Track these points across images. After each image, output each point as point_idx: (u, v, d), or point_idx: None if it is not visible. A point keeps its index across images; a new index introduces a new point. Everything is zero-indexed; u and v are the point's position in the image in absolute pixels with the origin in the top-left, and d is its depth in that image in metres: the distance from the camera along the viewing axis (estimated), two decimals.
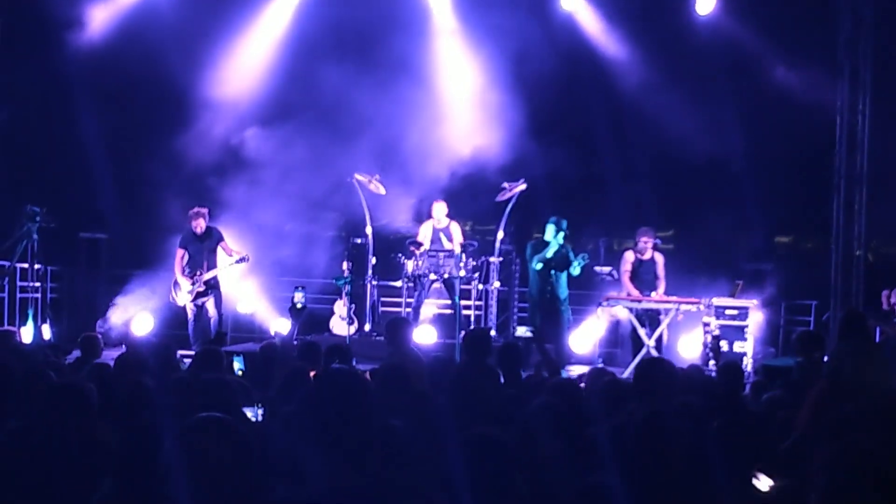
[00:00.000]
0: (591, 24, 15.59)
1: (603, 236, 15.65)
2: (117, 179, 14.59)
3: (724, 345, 12.33)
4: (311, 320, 14.45)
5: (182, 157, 14.50)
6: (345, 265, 13.63)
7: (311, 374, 6.40)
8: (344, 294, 13.42)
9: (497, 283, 13.67)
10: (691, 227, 15.74)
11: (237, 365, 7.68)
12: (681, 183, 15.62)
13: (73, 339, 11.87)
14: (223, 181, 14.34)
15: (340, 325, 13.65)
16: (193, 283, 12.80)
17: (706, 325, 12.46)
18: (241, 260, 12.94)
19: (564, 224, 12.05)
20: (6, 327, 12.14)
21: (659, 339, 12.39)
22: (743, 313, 12.49)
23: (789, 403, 6.19)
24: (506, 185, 13.32)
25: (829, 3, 14.26)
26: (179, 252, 12.94)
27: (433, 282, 13.01)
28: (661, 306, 12.45)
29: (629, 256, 12.76)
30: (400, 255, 13.13)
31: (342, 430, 3.66)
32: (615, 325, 13.53)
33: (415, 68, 14.72)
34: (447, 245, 13.08)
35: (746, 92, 15.20)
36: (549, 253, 11.97)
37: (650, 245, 12.68)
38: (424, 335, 12.76)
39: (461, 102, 14.98)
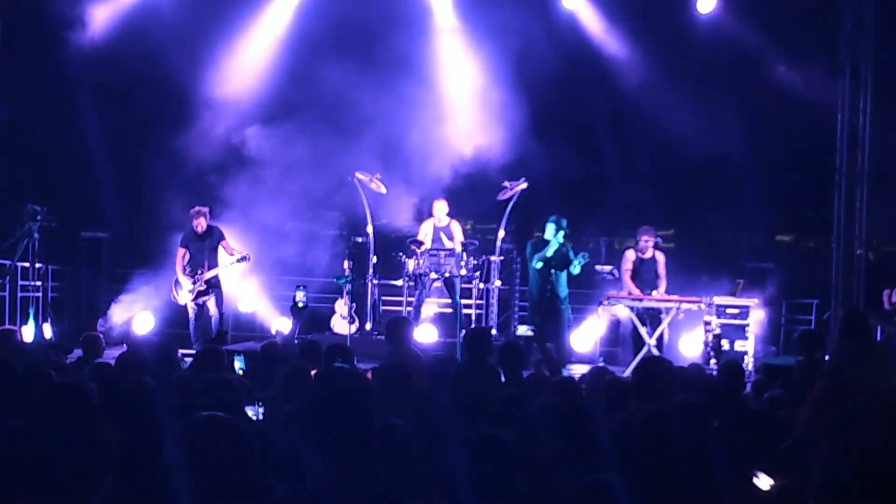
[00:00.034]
0: (592, 23, 15.59)
1: (604, 235, 15.64)
2: (118, 178, 14.60)
3: (725, 344, 12.33)
4: (312, 319, 14.45)
5: (183, 155, 14.50)
6: (346, 264, 13.63)
7: (312, 373, 6.41)
8: (345, 293, 13.41)
9: (498, 282, 13.67)
10: (692, 226, 15.75)
11: (238, 364, 7.68)
12: (682, 182, 15.62)
13: (74, 338, 11.89)
14: (224, 180, 14.34)
15: (341, 324, 13.65)
16: (194, 282, 12.80)
17: (707, 323, 12.46)
18: (242, 259, 12.94)
19: (564, 223, 12.04)
20: (7, 326, 12.15)
21: (660, 338, 12.39)
22: (744, 312, 12.49)
23: (790, 402, 6.19)
24: (506, 183, 13.32)
25: (829, 1, 14.25)
26: (180, 251, 12.94)
27: (434, 281, 13.01)
28: (662, 305, 12.45)
29: (630, 255, 12.75)
30: (401, 254, 13.13)
31: (343, 429, 3.66)
32: (616, 324, 13.52)
33: (416, 67, 14.72)
34: (448, 244, 13.08)
35: (747, 91, 15.21)
36: (550, 252, 11.96)
37: (651, 244, 12.67)
38: (425, 334, 12.76)
39: (462, 101, 14.98)
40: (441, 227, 13.29)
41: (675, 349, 12.69)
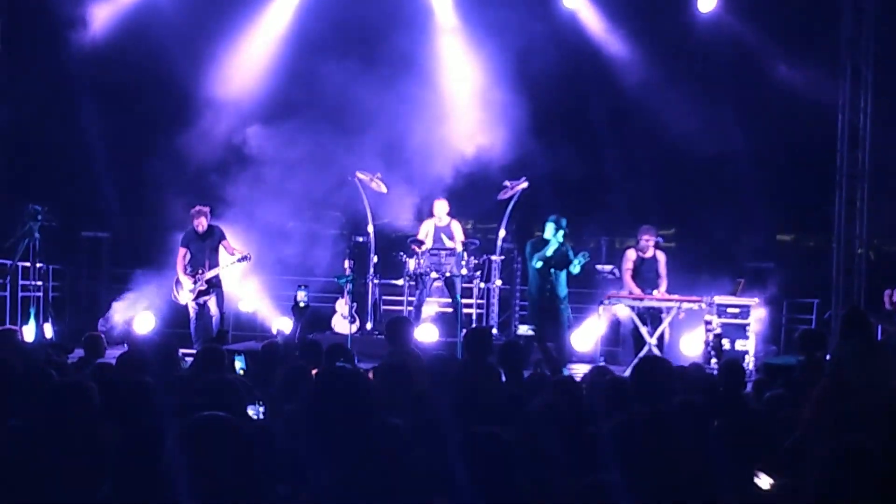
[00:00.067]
0: (593, 22, 15.59)
1: (605, 235, 15.64)
2: (119, 178, 14.60)
3: (725, 343, 12.32)
4: (313, 319, 14.44)
5: (184, 155, 14.50)
6: (346, 264, 13.63)
7: (313, 372, 6.41)
8: (346, 292, 13.41)
9: (499, 282, 13.67)
10: (693, 226, 15.74)
11: (238, 364, 7.68)
12: (682, 181, 15.62)
13: (75, 337, 11.89)
14: (225, 180, 14.34)
15: (342, 324, 13.64)
16: (195, 282, 12.80)
17: (708, 323, 12.46)
18: (243, 259, 12.94)
19: (564, 222, 12.02)
20: (8, 326, 12.15)
21: (661, 338, 12.38)
22: (745, 311, 12.48)
23: (791, 402, 6.18)
24: (507, 183, 13.31)
25: (830, 1, 14.26)
26: (181, 251, 12.94)
27: (434, 280, 13.01)
28: (663, 304, 12.44)
29: (631, 255, 12.75)
30: (401, 253, 13.13)
31: (343, 428, 3.66)
32: (616, 324, 13.52)
33: (417, 66, 14.72)
34: (448, 244, 13.08)
35: (748, 90, 15.21)
36: (549, 251, 11.94)
37: (652, 243, 12.67)
38: (426, 334, 12.77)
39: (463, 101, 14.98)
40: (441, 226, 13.29)
41: (676, 349, 12.68)
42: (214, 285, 12.91)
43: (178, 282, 12.94)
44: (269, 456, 4.12)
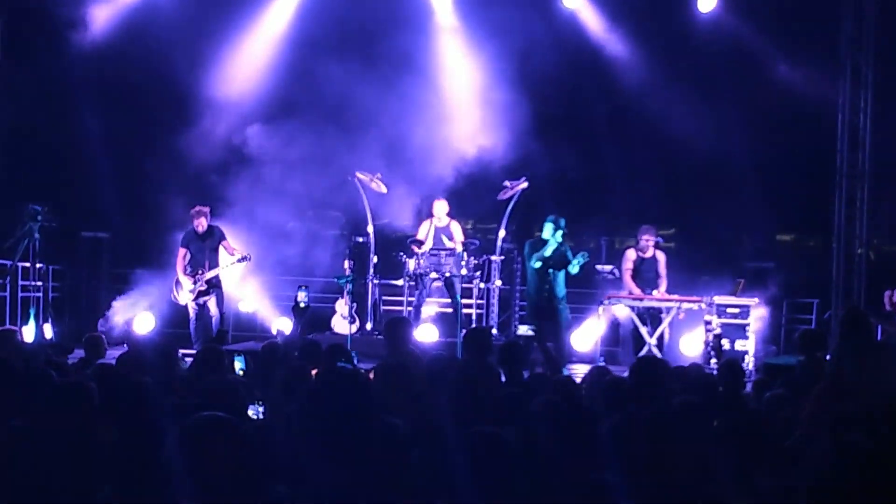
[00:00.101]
0: (593, 22, 15.58)
1: (605, 235, 15.64)
2: (119, 178, 14.60)
3: (725, 343, 12.32)
4: (312, 319, 14.44)
5: (184, 155, 14.49)
6: (346, 264, 13.63)
7: (313, 373, 6.41)
8: (345, 293, 13.41)
9: (498, 282, 13.67)
10: (693, 226, 15.73)
11: (238, 364, 7.68)
12: (682, 181, 15.61)
13: (75, 338, 11.90)
14: (225, 180, 14.33)
15: (342, 324, 13.64)
16: (195, 282, 12.80)
17: (708, 323, 12.46)
18: (243, 259, 12.94)
19: (563, 222, 12.03)
20: (8, 326, 12.15)
21: (660, 338, 12.39)
22: (744, 311, 12.48)
23: (791, 402, 6.18)
24: (507, 183, 13.31)
25: (830, 1, 14.25)
26: (181, 251, 12.95)
27: (434, 280, 13.01)
28: (663, 304, 12.45)
29: (631, 255, 12.75)
30: (401, 253, 13.13)
31: (343, 429, 3.66)
32: (616, 325, 13.52)
33: (417, 66, 14.71)
34: (448, 244, 13.07)
35: (748, 90, 15.20)
36: (548, 251, 11.94)
37: (652, 243, 12.67)
38: (426, 334, 12.76)
39: (463, 100, 14.98)
40: (441, 227, 13.29)
41: (676, 349, 12.69)
42: (214, 286, 12.91)
43: (177, 282, 12.94)
44: (269, 456, 4.12)
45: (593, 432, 4.81)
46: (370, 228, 13.78)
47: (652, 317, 12.58)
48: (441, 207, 13.35)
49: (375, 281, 13.86)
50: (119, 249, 15.40)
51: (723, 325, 12.39)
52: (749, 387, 8.29)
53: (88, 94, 14.55)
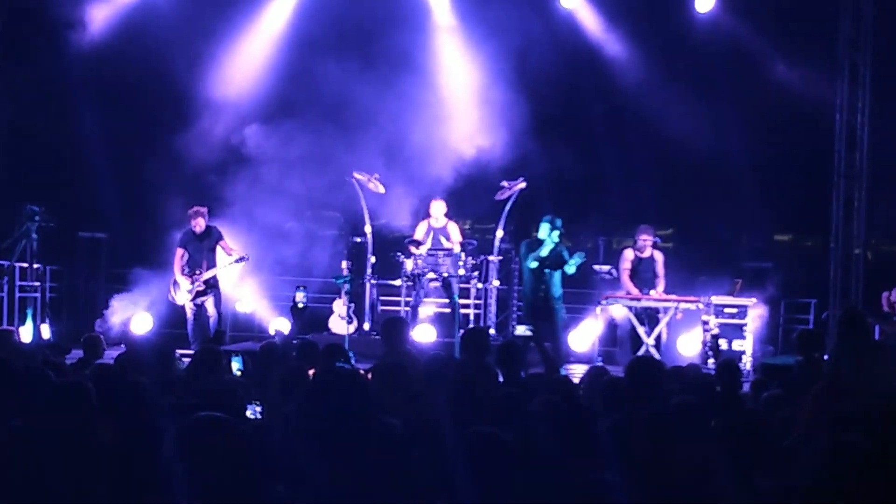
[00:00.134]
0: (590, 22, 15.59)
1: (602, 235, 15.64)
2: (117, 178, 14.59)
3: (723, 343, 12.33)
4: (310, 319, 14.44)
5: (182, 155, 14.48)
6: (344, 264, 13.63)
7: (310, 372, 6.40)
8: (343, 293, 13.41)
9: (496, 282, 13.67)
10: (691, 226, 15.74)
11: (236, 365, 7.66)
12: (680, 181, 15.62)
13: (73, 338, 11.91)
14: (223, 180, 14.33)
15: (340, 324, 13.64)
16: (193, 283, 12.80)
17: (705, 323, 12.46)
18: (241, 259, 12.93)
19: (559, 222, 12.02)
20: (5, 327, 12.14)
21: (658, 338, 12.40)
22: (742, 312, 12.49)
23: (789, 402, 6.18)
24: (505, 183, 13.31)
25: (828, 1, 14.26)
26: (179, 251, 12.94)
27: (431, 281, 13.00)
28: (661, 305, 12.45)
29: (628, 254, 12.75)
30: (399, 254, 13.13)
31: (341, 428, 3.66)
32: (613, 325, 13.52)
33: (414, 66, 14.71)
34: (446, 244, 13.08)
35: (746, 90, 15.21)
36: (544, 252, 11.94)
37: (649, 243, 12.67)
38: (423, 334, 12.76)
39: (461, 100, 14.98)
40: (438, 227, 13.29)
41: (674, 349, 12.69)
42: (212, 286, 12.91)
43: (175, 282, 12.94)
44: (267, 456, 4.12)
45: (591, 432, 4.81)
46: (368, 229, 13.78)
47: (649, 317, 12.58)
48: (438, 208, 13.35)
49: (373, 281, 13.86)
50: (117, 250, 15.39)
51: (720, 325, 12.40)
52: (747, 387, 8.30)
53: (87, 94, 14.53)
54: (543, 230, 12.03)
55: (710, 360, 11.86)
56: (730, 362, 7.86)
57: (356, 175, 13.40)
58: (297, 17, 15.41)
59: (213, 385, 5.46)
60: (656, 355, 11.75)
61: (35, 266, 13.21)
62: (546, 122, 14.81)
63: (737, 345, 12.39)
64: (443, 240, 13.13)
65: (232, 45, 15.30)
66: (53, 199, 13.62)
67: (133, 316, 13.90)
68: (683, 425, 4.58)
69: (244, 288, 14.45)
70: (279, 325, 14.23)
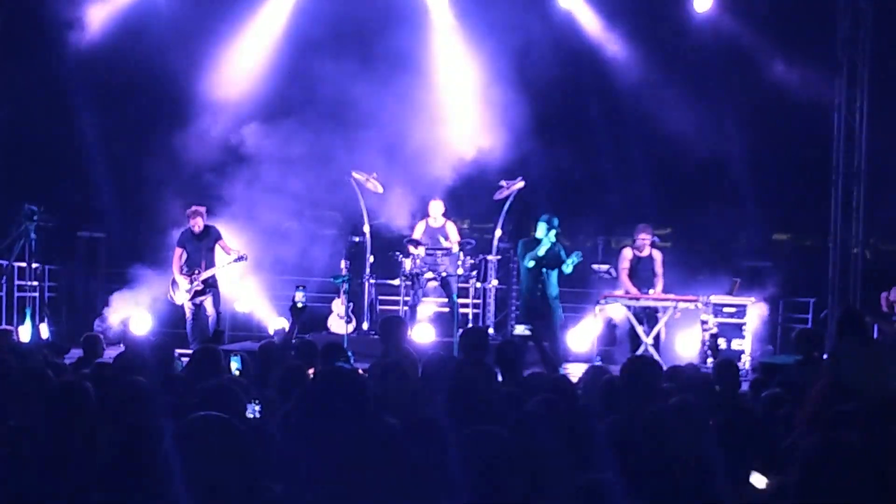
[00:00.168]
0: (588, 22, 15.59)
1: (601, 234, 15.65)
2: (115, 178, 14.60)
3: (722, 342, 12.33)
4: (309, 319, 14.41)
5: (180, 155, 14.48)
6: (343, 264, 13.62)
7: (310, 372, 6.40)
8: (342, 292, 13.41)
9: (495, 282, 13.67)
10: (689, 225, 15.75)
11: (235, 364, 7.66)
12: (679, 180, 15.63)
13: (71, 337, 11.90)
14: (222, 179, 14.33)
15: (338, 324, 13.63)
16: (191, 282, 12.80)
17: (704, 322, 12.47)
18: (240, 259, 12.93)
19: (556, 222, 12.02)
20: (4, 326, 12.14)
21: (657, 337, 12.39)
22: (741, 311, 12.49)
23: (788, 401, 6.19)
24: (503, 183, 13.31)
25: (827, 0, 14.26)
26: (177, 251, 12.94)
27: (430, 280, 13.00)
28: (659, 304, 12.45)
29: (627, 254, 12.75)
30: (397, 253, 13.13)
31: (341, 428, 3.66)
32: (612, 325, 13.52)
33: (413, 66, 14.72)
34: (444, 244, 13.07)
35: (744, 89, 15.23)
36: (541, 251, 11.94)
37: (648, 242, 12.67)
38: (422, 334, 12.76)
39: (459, 100, 14.98)
40: (436, 227, 13.29)
41: (672, 348, 12.69)
42: (211, 285, 12.91)
43: (174, 282, 12.94)
44: (266, 456, 4.12)
45: (590, 432, 4.81)
46: (366, 228, 13.78)
47: (648, 316, 12.58)
48: (436, 207, 13.35)
49: (372, 281, 13.86)
50: (115, 249, 15.39)
51: (719, 325, 12.40)
52: (746, 386, 8.30)
53: (85, 93, 14.54)
54: (541, 229, 12.03)
55: (709, 360, 11.86)
56: (728, 362, 7.86)
57: (355, 174, 13.40)
58: (296, 16, 15.41)
59: (212, 385, 5.46)
60: (655, 355, 11.76)
61: (34, 265, 13.21)
62: (544, 122, 14.82)
63: (736, 344, 12.39)
64: (441, 239, 13.13)
65: (231, 44, 15.30)
66: (52, 198, 13.62)
67: (132, 315, 13.89)
68: (682, 425, 4.58)
69: (243, 287, 14.44)
70: (278, 324, 14.20)
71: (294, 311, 14.08)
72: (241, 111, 14.92)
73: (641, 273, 12.66)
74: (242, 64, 15.37)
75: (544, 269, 12.01)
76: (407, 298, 13.24)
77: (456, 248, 12.96)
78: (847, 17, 14.01)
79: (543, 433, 4.59)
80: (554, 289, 12.13)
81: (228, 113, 14.86)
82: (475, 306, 13.60)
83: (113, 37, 14.88)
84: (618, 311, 12.87)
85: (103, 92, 14.73)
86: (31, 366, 6.29)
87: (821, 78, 14.61)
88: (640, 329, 12.36)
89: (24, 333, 12.58)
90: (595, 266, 13.58)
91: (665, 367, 7.38)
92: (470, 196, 14.59)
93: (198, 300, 12.87)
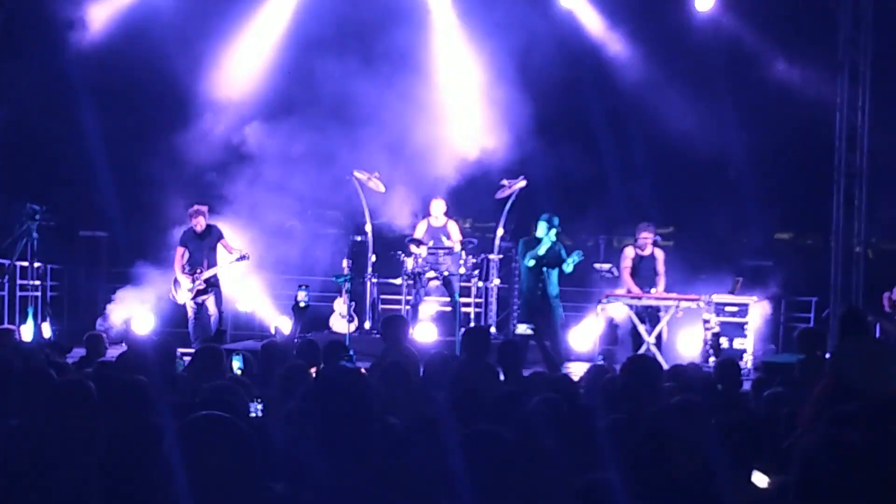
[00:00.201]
0: (590, 21, 15.59)
1: (603, 233, 15.64)
2: (117, 177, 14.59)
3: (724, 342, 12.33)
4: (311, 318, 14.43)
5: (183, 154, 14.49)
6: (345, 263, 13.63)
7: (312, 371, 6.41)
8: (344, 292, 13.41)
9: (497, 281, 13.67)
10: (691, 224, 15.75)
11: (236, 363, 7.67)
12: (681, 179, 15.62)
13: (73, 337, 11.90)
14: (224, 178, 14.34)
15: (340, 323, 13.63)
16: (193, 281, 12.80)
17: (706, 321, 12.46)
18: (242, 258, 12.93)
19: (557, 221, 12.03)
20: (5, 326, 12.14)
21: (659, 336, 12.39)
22: (743, 310, 12.49)
23: (790, 400, 6.18)
24: (505, 182, 13.32)
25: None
26: (179, 250, 12.95)
27: (432, 279, 13.00)
28: (661, 303, 12.44)
29: (629, 252, 12.75)
30: (399, 252, 13.13)
31: (342, 427, 3.66)
32: (613, 324, 13.52)
33: (415, 65, 14.72)
34: (446, 243, 13.08)
35: (746, 89, 15.22)
36: (542, 250, 11.94)
37: (650, 241, 12.66)
38: (424, 333, 12.76)
39: (461, 99, 14.99)
40: (438, 226, 13.29)
41: (674, 347, 12.69)
42: (213, 284, 12.92)
43: (176, 281, 12.94)
44: (268, 454, 4.12)
45: (591, 431, 4.81)
46: (368, 227, 13.78)
47: (650, 315, 12.58)
48: (438, 207, 13.35)
49: (374, 280, 13.86)
50: (117, 248, 15.39)
51: (721, 324, 12.39)
52: (748, 385, 8.30)
53: (87, 92, 14.53)
54: (541, 229, 12.03)
55: (711, 359, 11.85)
56: (730, 361, 7.86)
57: (356, 174, 13.40)
58: (299, 14, 15.40)
59: (214, 384, 5.47)
60: (657, 354, 11.76)
61: (36, 265, 13.21)
62: (546, 121, 14.81)
63: (738, 343, 12.39)
64: (443, 238, 13.14)
65: (232, 43, 15.30)
66: (54, 197, 13.62)
67: (134, 315, 13.90)
68: (684, 424, 4.58)
69: (245, 286, 14.44)
70: (280, 323, 14.22)
71: (296, 311, 14.19)
72: (243, 110, 14.93)
73: (643, 272, 12.65)
74: (244, 63, 15.37)
75: (545, 269, 12.01)
76: (409, 297, 13.24)
77: (458, 248, 12.96)
78: (848, 16, 14.00)
79: (545, 432, 4.59)
80: (554, 288, 12.13)
81: (230, 112, 14.87)
82: (477, 305, 13.60)
83: (115, 36, 14.87)
84: (620, 311, 12.86)
85: (105, 91, 14.71)
86: (34, 365, 6.30)
87: (822, 77, 14.60)
88: (642, 328, 12.36)
89: (27, 333, 12.59)
90: (597, 265, 13.58)
91: (667, 367, 7.39)
92: (472, 195, 14.58)
93: (200, 299, 12.88)
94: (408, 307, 13.18)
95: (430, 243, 13.01)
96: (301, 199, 14.41)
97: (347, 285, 13.10)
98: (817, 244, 16.42)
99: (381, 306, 14.29)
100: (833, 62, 14.30)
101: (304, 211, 14.81)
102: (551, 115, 14.99)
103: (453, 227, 13.35)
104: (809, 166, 15.23)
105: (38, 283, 13.51)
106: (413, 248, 12.87)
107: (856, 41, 14.06)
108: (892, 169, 14.29)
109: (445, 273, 12.83)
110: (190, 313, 12.97)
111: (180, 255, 12.92)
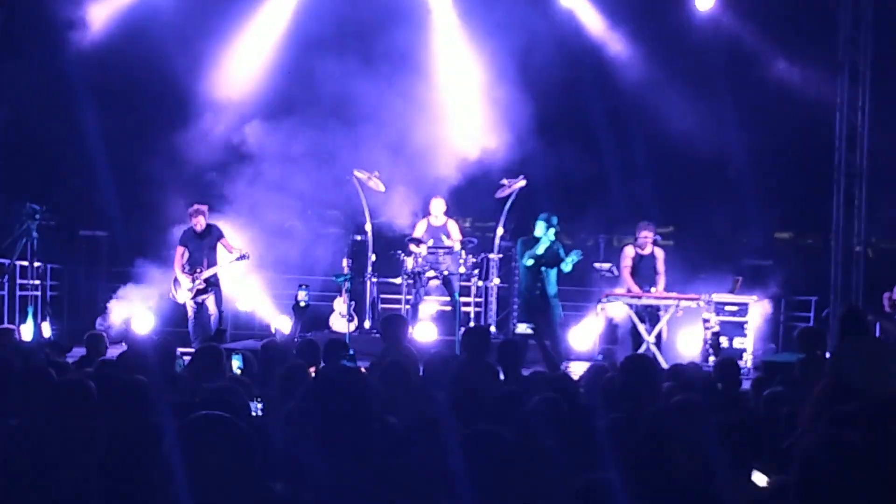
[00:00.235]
0: (591, 20, 15.60)
1: (603, 232, 15.64)
2: (117, 177, 14.59)
3: (723, 341, 12.33)
4: (311, 318, 14.44)
5: (182, 153, 14.49)
6: (345, 262, 13.63)
7: (311, 370, 6.41)
8: (344, 291, 13.41)
9: (497, 280, 13.67)
10: (691, 224, 15.75)
11: (236, 363, 7.67)
12: (681, 179, 15.62)
13: (74, 336, 11.90)
14: (224, 178, 14.34)
15: (340, 323, 13.64)
16: (193, 281, 12.80)
17: (706, 321, 12.46)
18: (242, 257, 12.93)
19: (555, 220, 12.02)
20: (5, 325, 12.14)
21: (659, 336, 12.39)
22: (742, 309, 12.49)
23: (790, 400, 6.18)
24: (505, 181, 13.32)
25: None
26: (179, 249, 12.95)
27: (431, 279, 13.00)
28: (661, 302, 12.44)
29: (629, 251, 12.75)
30: (399, 252, 13.13)
31: (342, 427, 3.66)
32: (613, 323, 13.52)
33: (415, 64, 14.72)
34: (446, 243, 13.08)
35: (746, 89, 15.22)
36: (540, 249, 11.94)
37: (650, 240, 12.66)
38: (424, 332, 12.76)
39: (462, 99, 14.99)
40: (437, 225, 13.29)
41: (674, 346, 12.68)
42: (213, 284, 12.91)
43: (176, 280, 12.94)
44: (267, 454, 4.12)
45: (591, 430, 4.81)
46: (368, 227, 13.79)
47: (650, 314, 12.58)
48: (438, 206, 13.35)
49: (374, 279, 13.86)
50: (117, 248, 15.39)
51: (721, 323, 12.39)
52: (748, 385, 8.30)
53: (87, 92, 14.53)
54: (539, 228, 12.03)
55: (711, 358, 11.85)
56: (729, 360, 7.86)
57: (356, 173, 13.40)
58: (299, 14, 15.40)
59: (214, 383, 5.47)
60: (657, 353, 11.77)
61: (36, 264, 13.21)
62: (546, 121, 14.81)
63: (737, 343, 12.39)
64: (443, 238, 13.14)
65: (233, 42, 15.30)
66: (54, 197, 13.62)
67: (134, 314, 13.90)
68: (684, 423, 4.58)
69: (245, 286, 14.44)
70: (280, 323, 14.23)
71: (297, 310, 14.18)
72: (243, 109, 14.93)
73: (643, 271, 12.65)
74: (244, 62, 15.38)
75: (543, 268, 12.01)
76: (409, 297, 13.24)
77: (458, 247, 12.96)
78: (848, 16, 14.01)
79: (545, 432, 4.59)
80: (553, 287, 12.13)
81: (230, 111, 14.87)
82: (477, 305, 13.60)
83: (114, 36, 14.87)
84: (619, 310, 12.86)
85: (105, 90, 14.71)
86: (34, 364, 6.30)
87: (822, 77, 14.61)
88: (641, 327, 12.36)
89: (27, 332, 12.58)
90: (597, 264, 13.58)
91: (667, 366, 7.39)
92: (472, 194, 14.58)
93: (200, 299, 12.88)
94: (408, 306, 13.17)
95: (430, 243, 13.00)
96: (301, 198, 14.41)
97: (347, 285, 13.10)
98: (817, 244, 16.43)
99: (381, 306, 14.30)
100: (833, 62, 14.32)
101: (305, 210, 14.80)
102: (552, 114, 14.99)
103: (453, 227, 13.35)
104: (809, 166, 15.24)
105: (38, 282, 13.51)
106: (413, 247, 12.87)
107: (856, 41, 14.07)
108: (892, 169, 14.30)
109: (445, 272, 12.83)
110: (190, 313, 12.97)
111: (180, 254, 12.92)
